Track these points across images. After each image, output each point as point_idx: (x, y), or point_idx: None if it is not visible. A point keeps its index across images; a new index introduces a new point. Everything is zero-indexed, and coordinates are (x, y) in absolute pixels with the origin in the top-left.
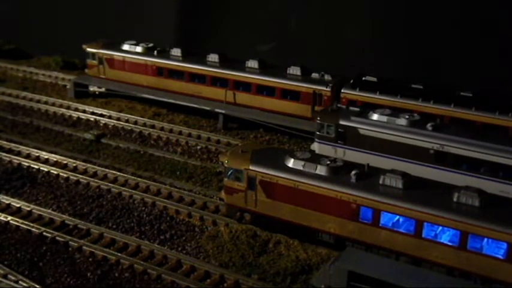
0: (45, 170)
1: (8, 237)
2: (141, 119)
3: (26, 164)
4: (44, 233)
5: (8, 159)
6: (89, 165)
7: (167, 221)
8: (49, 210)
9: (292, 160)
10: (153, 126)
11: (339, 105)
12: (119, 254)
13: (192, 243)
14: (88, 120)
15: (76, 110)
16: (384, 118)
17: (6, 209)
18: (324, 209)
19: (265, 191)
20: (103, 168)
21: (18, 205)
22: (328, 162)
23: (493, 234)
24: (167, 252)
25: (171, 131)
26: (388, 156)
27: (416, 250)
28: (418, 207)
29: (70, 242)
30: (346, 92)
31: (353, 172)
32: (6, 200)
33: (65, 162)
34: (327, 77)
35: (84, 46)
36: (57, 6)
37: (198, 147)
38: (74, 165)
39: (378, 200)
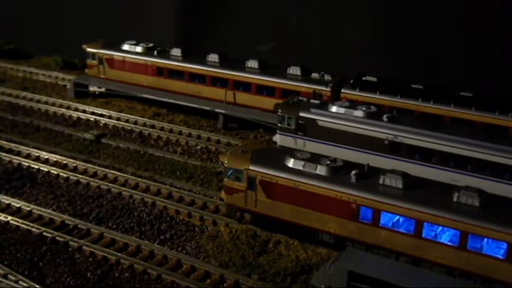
0: (45, 170)
1: (8, 237)
2: (141, 119)
3: (26, 164)
4: (44, 233)
5: (8, 159)
6: (89, 165)
7: (167, 221)
8: (49, 210)
9: (292, 160)
10: (153, 126)
11: (300, 97)
12: (119, 254)
13: (192, 243)
14: (88, 120)
15: (76, 110)
16: (342, 110)
17: (6, 209)
18: (324, 209)
19: (265, 191)
20: (103, 168)
21: (18, 205)
22: (328, 162)
23: (493, 234)
24: (167, 252)
25: (171, 131)
26: (345, 147)
27: (416, 250)
28: (418, 207)
29: (70, 242)
30: (346, 92)
31: (353, 172)
32: (6, 200)
33: (65, 162)
34: (327, 77)
35: (84, 46)
36: (57, 6)
37: (198, 147)
38: (74, 165)
39: (378, 200)
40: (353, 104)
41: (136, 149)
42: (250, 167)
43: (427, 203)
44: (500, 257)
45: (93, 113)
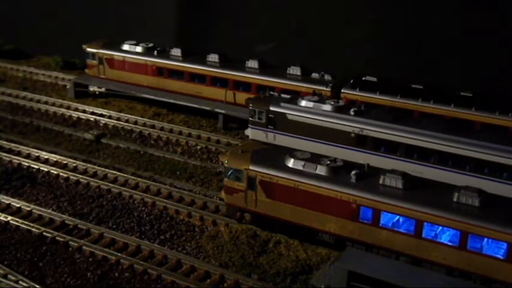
0: (45, 170)
1: (8, 237)
2: (141, 119)
3: (26, 164)
4: (44, 233)
5: (8, 159)
6: (89, 165)
7: (167, 221)
8: (49, 210)
9: (292, 160)
10: (153, 126)
11: (271, 92)
12: (119, 254)
13: (192, 243)
14: (88, 120)
15: (76, 110)
16: (311, 104)
17: (6, 209)
18: (324, 209)
19: (265, 191)
20: (103, 168)
21: (18, 205)
22: (328, 162)
23: (493, 234)
24: (167, 252)
25: (171, 131)
26: (314, 140)
27: (416, 250)
28: (418, 207)
29: (70, 242)
30: (346, 92)
31: (353, 172)
32: (6, 200)
33: (65, 162)
34: (327, 77)
35: (84, 46)
36: (57, 6)
37: (198, 147)
38: (74, 165)
39: (378, 200)
40: (322, 99)
41: (136, 149)
42: (250, 167)
43: (427, 203)
44: (500, 257)
45: (93, 113)
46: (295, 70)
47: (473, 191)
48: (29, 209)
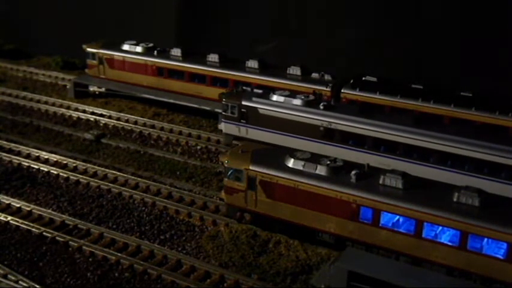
0: (45, 170)
1: (8, 237)
2: (141, 119)
3: (26, 164)
4: (44, 233)
5: (8, 159)
6: (89, 165)
7: (167, 221)
8: (49, 210)
9: (292, 160)
10: (153, 126)
11: (244, 87)
12: (119, 254)
13: (192, 243)
14: (88, 120)
15: (76, 110)
16: (281, 99)
17: (6, 209)
18: (324, 209)
19: (265, 191)
20: (103, 168)
21: (18, 205)
22: (328, 162)
23: (493, 234)
24: (167, 252)
25: (171, 131)
26: (285, 133)
27: (416, 250)
28: (418, 207)
29: (70, 242)
30: (346, 92)
31: (353, 172)
32: (6, 200)
33: (65, 162)
34: (327, 77)
35: (84, 46)
36: (57, 6)
37: (198, 147)
38: (74, 165)
39: (378, 200)
40: (293, 94)
41: (136, 149)
42: (250, 167)
43: (427, 203)
44: (500, 257)
45: (93, 113)
46: (295, 70)
47: (473, 191)
48: (29, 209)
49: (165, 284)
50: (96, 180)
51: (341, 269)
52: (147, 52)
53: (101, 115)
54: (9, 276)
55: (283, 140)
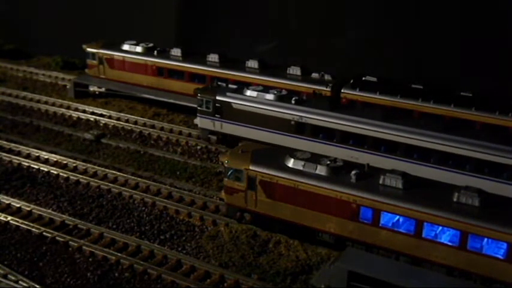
0: (45, 170)
1: (8, 237)
2: (141, 119)
3: (26, 164)
4: (44, 233)
5: (8, 159)
6: (89, 165)
7: (167, 221)
8: (49, 210)
9: (292, 160)
10: (153, 126)
11: (219, 83)
12: (119, 254)
13: (192, 243)
14: (88, 120)
15: (76, 110)
16: (255, 94)
17: (6, 209)
18: (324, 209)
19: (265, 191)
20: (103, 168)
21: (18, 205)
22: (328, 162)
23: (493, 234)
24: (167, 252)
25: (171, 131)
26: (258, 127)
27: (416, 250)
28: (418, 207)
29: (70, 242)
30: (346, 92)
31: (353, 172)
32: (6, 200)
33: (65, 162)
34: (327, 77)
35: (84, 46)
36: (57, 6)
37: (198, 147)
38: (74, 165)
39: (378, 200)
40: (266, 89)
41: (136, 149)
42: (250, 167)
43: (427, 203)
44: (500, 257)
45: (93, 113)
46: (295, 70)
47: (473, 191)
48: (29, 209)
49: (165, 284)
50: (96, 180)
51: (341, 269)
52: (147, 52)
53: (101, 115)
54: (9, 276)
55: (256, 134)
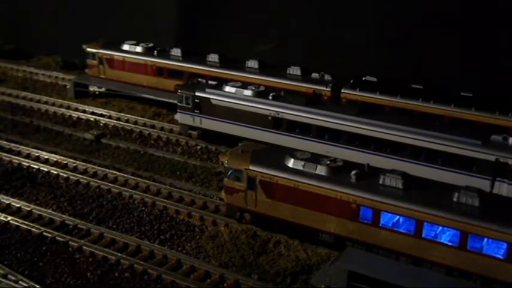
0: (45, 170)
1: (8, 237)
2: (141, 119)
3: (26, 164)
4: (44, 233)
5: (8, 159)
6: (89, 165)
7: (167, 221)
8: (49, 210)
9: (292, 160)
10: (153, 126)
11: (199, 79)
12: (119, 254)
13: (192, 243)
14: (88, 120)
15: (76, 110)
16: (233, 89)
17: (6, 209)
18: (324, 209)
19: (265, 191)
20: (103, 168)
21: (18, 205)
22: (328, 162)
23: (493, 234)
24: (167, 252)
25: (171, 131)
26: (236, 123)
27: (416, 250)
28: (418, 207)
29: (70, 242)
30: (346, 92)
31: (353, 172)
32: (6, 200)
33: (65, 162)
34: (327, 77)
35: (84, 46)
36: (57, 6)
37: (198, 147)
38: (74, 165)
39: (378, 200)
40: (245, 85)
41: (136, 149)
42: (250, 167)
43: (427, 203)
44: (500, 257)
45: (93, 113)
46: (295, 70)
47: (473, 191)
48: (29, 209)
49: (165, 284)
50: (96, 180)
51: (341, 269)
52: (147, 52)
53: (101, 115)
54: (9, 276)
55: (235, 129)
